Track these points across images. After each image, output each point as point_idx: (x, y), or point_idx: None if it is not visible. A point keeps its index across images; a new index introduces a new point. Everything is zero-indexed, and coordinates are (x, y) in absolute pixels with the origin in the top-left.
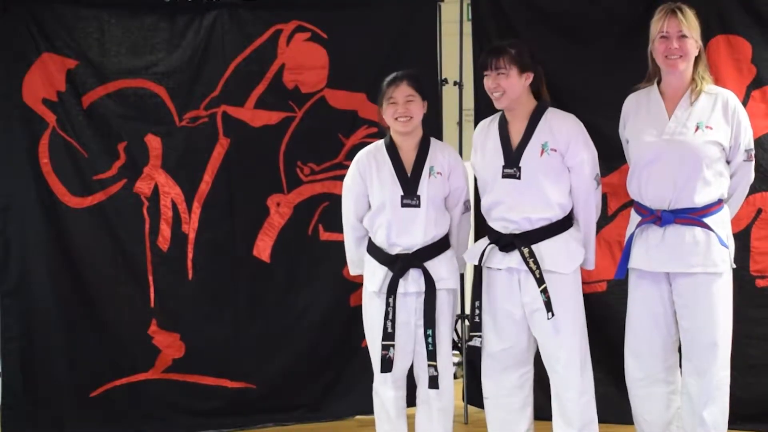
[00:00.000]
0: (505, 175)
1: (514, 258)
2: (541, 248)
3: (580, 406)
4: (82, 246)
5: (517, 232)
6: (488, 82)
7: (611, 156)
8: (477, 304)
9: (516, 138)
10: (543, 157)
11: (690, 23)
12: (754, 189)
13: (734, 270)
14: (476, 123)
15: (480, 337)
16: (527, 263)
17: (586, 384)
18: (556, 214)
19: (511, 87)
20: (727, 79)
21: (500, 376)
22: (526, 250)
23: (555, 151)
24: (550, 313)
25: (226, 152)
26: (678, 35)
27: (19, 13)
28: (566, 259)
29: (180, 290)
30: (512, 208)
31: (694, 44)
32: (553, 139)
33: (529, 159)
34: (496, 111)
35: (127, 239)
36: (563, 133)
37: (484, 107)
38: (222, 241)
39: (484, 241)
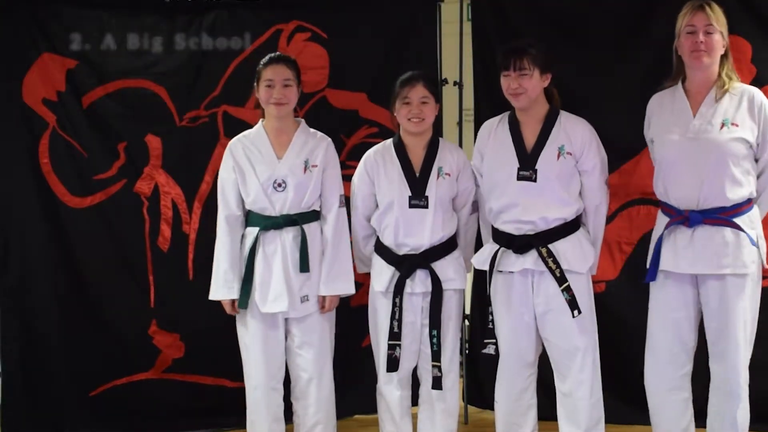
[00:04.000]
0: (520, 177)
1: (529, 259)
2: (557, 248)
3: (590, 405)
4: (82, 246)
5: (532, 232)
6: (509, 83)
7: (611, 157)
8: (490, 309)
9: (530, 140)
10: (559, 160)
11: (719, 18)
12: None
13: None
14: (476, 123)
15: (494, 344)
16: (546, 263)
17: (596, 384)
18: (570, 214)
19: (533, 88)
20: None
21: (510, 380)
22: (544, 250)
23: (570, 154)
24: (576, 311)
25: None
26: (705, 29)
27: (19, 13)
28: (581, 258)
29: (180, 290)
30: (528, 210)
31: (720, 40)
32: (568, 142)
33: (545, 162)
34: (496, 111)
35: (127, 239)
36: (578, 137)
37: (484, 107)
38: None
39: (492, 245)
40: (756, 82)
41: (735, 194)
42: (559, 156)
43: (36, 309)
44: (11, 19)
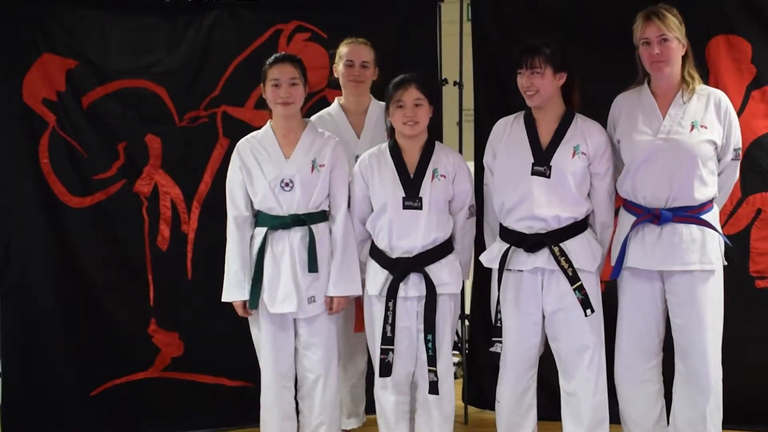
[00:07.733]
0: (534, 173)
1: (541, 258)
2: (568, 246)
3: (594, 404)
4: (82, 246)
5: (543, 231)
6: (522, 81)
7: None
8: (498, 308)
9: (546, 137)
10: (574, 159)
11: (670, 25)
12: (754, 189)
13: (733, 270)
14: (476, 123)
15: (501, 342)
16: (558, 262)
17: (601, 383)
18: (581, 214)
19: (545, 86)
20: (727, 79)
21: (514, 380)
22: (556, 249)
23: (585, 155)
24: (588, 310)
25: (226, 152)
26: (658, 40)
27: (19, 13)
28: (591, 257)
29: (179, 289)
30: (541, 205)
31: (677, 45)
32: (584, 143)
33: (560, 159)
34: (496, 111)
35: (126, 239)
36: (594, 139)
37: (484, 107)
38: (221, 241)
39: (501, 243)
40: (756, 82)
41: (702, 194)
42: (574, 155)
43: (36, 309)
44: (11, 19)
